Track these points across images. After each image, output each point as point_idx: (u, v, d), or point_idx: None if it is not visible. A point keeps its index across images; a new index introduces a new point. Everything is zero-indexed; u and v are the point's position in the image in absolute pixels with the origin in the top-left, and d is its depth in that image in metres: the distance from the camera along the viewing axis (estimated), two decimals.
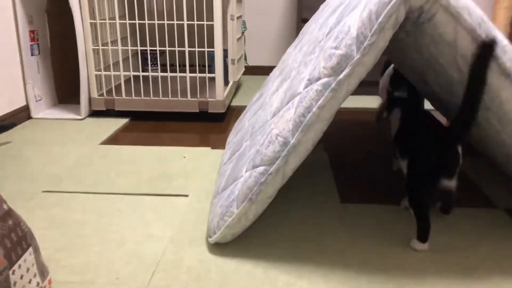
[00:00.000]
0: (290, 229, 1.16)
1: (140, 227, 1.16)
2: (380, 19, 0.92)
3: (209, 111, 2.07)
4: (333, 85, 0.96)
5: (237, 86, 2.81)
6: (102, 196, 1.33)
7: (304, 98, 0.99)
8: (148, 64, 2.59)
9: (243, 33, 2.70)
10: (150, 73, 2.08)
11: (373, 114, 1.51)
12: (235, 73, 2.46)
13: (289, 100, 1.06)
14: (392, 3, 0.91)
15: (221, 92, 2.05)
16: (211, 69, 2.26)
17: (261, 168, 1.01)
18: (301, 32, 1.72)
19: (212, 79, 2.07)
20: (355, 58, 0.94)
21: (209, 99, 2.06)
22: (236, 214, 1.01)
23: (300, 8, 2.52)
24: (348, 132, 1.98)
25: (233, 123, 2.01)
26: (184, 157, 1.63)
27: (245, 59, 2.87)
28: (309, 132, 0.98)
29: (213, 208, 1.13)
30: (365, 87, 2.59)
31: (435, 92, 1.38)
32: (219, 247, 1.06)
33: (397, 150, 1.20)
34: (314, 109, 0.97)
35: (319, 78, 0.98)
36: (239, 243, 1.08)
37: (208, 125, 2.04)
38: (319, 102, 0.97)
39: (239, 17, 2.55)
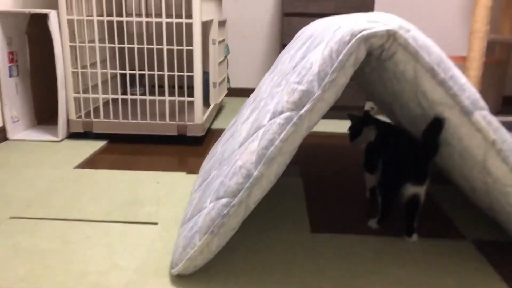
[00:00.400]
0: (257, 259, 1.16)
1: (105, 257, 1.15)
2: (340, 57, 0.94)
3: (187, 135, 2.08)
4: (295, 120, 0.98)
5: (220, 108, 2.82)
6: (70, 223, 1.32)
7: (268, 131, 1.00)
8: (133, 86, 2.60)
9: (225, 56, 2.73)
10: (129, 96, 2.09)
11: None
12: (217, 96, 2.47)
13: (254, 132, 1.07)
14: (352, 42, 0.93)
15: (200, 116, 2.06)
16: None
17: (224, 200, 1.01)
18: (277, 59, 1.74)
19: (193, 102, 2.08)
20: (316, 94, 0.96)
21: (187, 123, 2.06)
22: (198, 246, 1.01)
23: (282, 34, 2.55)
24: (326, 157, 2.00)
25: (212, 146, 2.02)
26: (158, 182, 1.63)
27: (228, 81, 2.89)
28: (272, 165, 0.99)
29: (178, 238, 1.13)
30: (346, 111, 2.63)
31: (402, 124, 1.40)
32: (183, 278, 1.06)
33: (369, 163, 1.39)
34: (276, 142, 0.98)
35: (282, 112, 0.99)
36: (205, 272, 1.08)
37: (187, 148, 2.05)
38: (282, 135, 0.98)
39: (221, 41, 2.58)
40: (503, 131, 0.98)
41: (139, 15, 2.73)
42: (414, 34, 0.94)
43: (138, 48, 2.13)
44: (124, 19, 1.99)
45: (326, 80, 0.95)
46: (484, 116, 0.96)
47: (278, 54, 2.96)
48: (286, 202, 1.51)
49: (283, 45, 2.55)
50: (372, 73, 1.17)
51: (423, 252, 1.22)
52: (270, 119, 1.02)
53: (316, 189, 1.63)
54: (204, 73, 2.49)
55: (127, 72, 2.06)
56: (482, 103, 0.97)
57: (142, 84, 2.67)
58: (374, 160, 1.35)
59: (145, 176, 1.69)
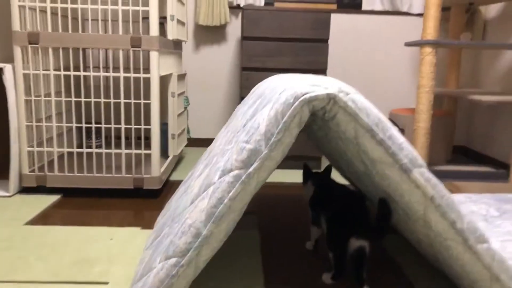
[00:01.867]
0: None
1: None
2: (285, 119, 0.98)
3: (144, 188, 2.06)
4: (243, 178, 1.00)
5: (179, 159, 2.83)
6: (16, 285, 1.27)
7: (217, 189, 1.02)
8: (90, 138, 2.58)
9: (185, 107, 2.76)
10: (85, 150, 2.07)
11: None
12: (176, 147, 2.48)
13: (205, 189, 1.08)
14: (295, 104, 0.98)
15: (157, 168, 2.06)
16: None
17: (173, 260, 1.01)
18: (233, 112, 1.78)
19: (150, 154, 2.08)
20: (263, 153, 0.99)
21: (144, 176, 2.05)
22: None
23: (241, 87, 2.62)
24: (285, 208, 2.01)
25: (169, 199, 2.01)
26: (111, 239, 1.60)
27: (188, 132, 2.91)
28: (221, 224, 1.00)
29: None
30: (304, 160, 2.68)
31: (350, 180, 1.45)
32: None
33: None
34: (225, 201, 1.00)
35: (231, 170, 1.02)
36: None
37: (143, 201, 2.03)
38: (231, 193, 1.00)
39: (181, 93, 2.62)
40: (441, 187, 1.03)
41: (97, 68, 2.75)
42: (353, 97, 0.99)
43: (96, 100, 2.13)
44: (81, 73, 2.00)
45: (272, 140, 0.99)
46: (422, 173, 1.01)
47: (237, 106, 3.02)
48: (241, 257, 1.51)
49: (241, 98, 2.61)
50: (319, 130, 1.22)
51: None
52: (220, 177, 1.04)
53: (273, 242, 1.63)
54: (163, 124, 2.51)
55: (83, 125, 2.05)
56: (420, 161, 1.02)
57: (99, 136, 2.65)
58: (315, 215, 1.43)
59: (98, 232, 1.65)
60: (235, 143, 1.09)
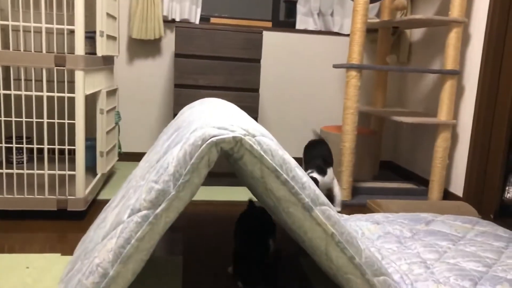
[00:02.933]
0: None
1: None
2: (193, 160, 1.01)
3: (68, 209, 2.01)
4: (151, 219, 1.01)
5: (110, 175, 2.78)
6: None
7: (125, 229, 1.03)
8: (11, 156, 2.48)
9: (116, 123, 2.72)
10: (4, 170, 2.00)
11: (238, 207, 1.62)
12: (104, 165, 2.44)
13: (115, 227, 1.09)
14: (203, 146, 1.01)
15: (81, 189, 2.02)
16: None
17: None
18: (157, 138, 1.78)
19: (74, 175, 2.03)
20: (171, 194, 1.01)
21: (68, 197, 2.01)
22: None
23: (174, 104, 2.62)
24: (212, 227, 2.04)
25: (95, 220, 1.97)
26: (27, 267, 1.56)
27: (119, 147, 2.87)
28: (128, 264, 1.01)
29: None
30: (227, 178, 2.72)
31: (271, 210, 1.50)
32: None
33: None
34: (133, 241, 1.01)
35: (139, 210, 1.03)
36: None
37: (68, 223, 1.98)
38: (138, 234, 1.01)
39: (111, 110, 2.58)
40: (341, 224, 1.09)
41: (18, 80, 2.66)
42: (258, 140, 1.04)
43: (17, 120, 2.06)
44: (1, 91, 1.93)
45: (180, 181, 1.01)
46: (323, 211, 1.07)
47: (171, 120, 3.02)
48: (162, 283, 1.51)
49: (174, 114, 2.61)
50: (234, 165, 1.25)
51: None
52: (129, 216, 1.05)
53: (196, 265, 1.65)
54: (91, 140, 2.46)
55: (3, 145, 1.97)
56: (322, 199, 1.08)
57: (21, 151, 2.56)
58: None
59: (15, 260, 1.60)
60: (146, 181, 1.10)
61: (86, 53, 2.01)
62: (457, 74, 2.49)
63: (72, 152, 2.07)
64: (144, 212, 1.02)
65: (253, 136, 1.04)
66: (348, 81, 2.47)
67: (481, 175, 2.48)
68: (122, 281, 1.02)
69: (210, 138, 1.01)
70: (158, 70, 3.09)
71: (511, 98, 2.34)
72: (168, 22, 3.05)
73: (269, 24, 3.19)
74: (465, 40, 2.60)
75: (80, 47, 1.95)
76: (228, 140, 1.01)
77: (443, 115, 2.54)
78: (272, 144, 1.06)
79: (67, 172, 2.01)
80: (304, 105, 3.28)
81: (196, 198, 2.47)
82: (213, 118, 1.10)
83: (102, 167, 2.40)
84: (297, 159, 3.22)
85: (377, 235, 1.85)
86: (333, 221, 1.07)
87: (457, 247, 1.75)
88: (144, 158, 1.63)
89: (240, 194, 2.57)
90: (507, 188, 2.43)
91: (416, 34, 3.18)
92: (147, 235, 1.01)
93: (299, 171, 1.08)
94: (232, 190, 2.65)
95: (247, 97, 2.63)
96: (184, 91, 2.60)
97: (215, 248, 1.84)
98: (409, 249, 1.72)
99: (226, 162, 2.62)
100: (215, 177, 2.71)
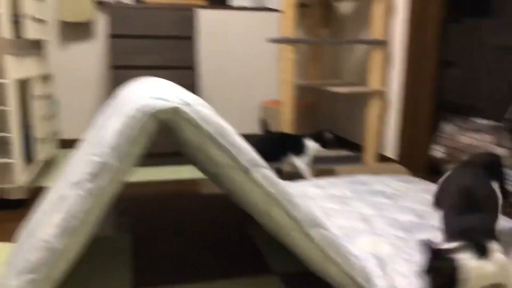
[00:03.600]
0: None
1: None
2: (132, 131, 1.04)
3: (9, 198, 1.97)
4: (93, 191, 1.04)
5: (50, 163, 2.72)
6: None
7: (69, 203, 1.04)
8: None
9: (54, 109, 2.66)
10: None
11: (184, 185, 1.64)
12: (43, 152, 2.39)
13: (57, 203, 1.09)
14: (141, 117, 1.04)
15: (20, 177, 1.98)
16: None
17: (28, 276, 1.02)
18: (95, 121, 1.77)
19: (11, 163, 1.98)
20: (113, 166, 1.04)
21: (7, 185, 1.96)
22: None
23: (112, 86, 2.59)
24: (158, 206, 2.06)
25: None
26: None
27: (57, 134, 2.80)
28: (74, 237, 1.03)
29: None
30: (172, 157, 2.74)
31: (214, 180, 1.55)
32: None
33: None
34: (77, 214, 1.03)
35: (82, 183, 1.04)
36: None
37: (9, 213, 1.94)
38: (82, 207, 1.03)
39: (47, 95, 2.51)
40: (280, 183, 1.16)
41: None
42: (195, 109, 1.08)
43: None
44: None
45: (120, 152, 1.04)
46: (262, 173, 1.14)
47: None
48: (110, 260, 1.54)
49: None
50: (174, 136, 1.29)
51: None
52: (71, 190, 1.06)
53: (144, 242, 1.68)
54: (27, 128, 2.40)
55: None
56: (259, 162, 1.15)
57: None
58: None
59: None
60: (86, 155, 1.11)
61: (13, 37, 1.94)
62: (385, 44, 2.63)
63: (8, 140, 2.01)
64: (86, 184, 1.04)
65: (190, 105, 1.08)
66: (283, 55, 2.54)
67: (410, 138, 2.66)
68: (70, 255, 1.04)
69: (148, 108, 1.04)
70: (93, 53, 3.03)
71: (434, 64, 2.51)
72: (100, 3, 2.98)
73: (203, 2, 3.20)
74: (390, 11, 2.74)
75: (6, 30, 1.88)
76: (165, 110, 1.04)
77: (374, 83, 2.68)
78: (208, 113, 1.10)
79: (3, 160, 1.96)
80: (244, 82, 3.33)
81: (140, 178, 2.48)
82: (150, 91, 1.12)
83: (40, 154, 2.35)
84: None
85: (321, 197, 1.96)
86: (271, 181, 1.14)
87: (394, 203, 1.89)
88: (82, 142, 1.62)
89: (185, 173, 2.60)
90: (434, 148, 2.61)
91: (346, 7, 3.30)
92: (91, 208, 1.03)
93: (236, 137, 1.13)
94: (177, 169, 2.68)
95: (184, 75, 2.65)
96: (121, 73, 2.57)
97: (164, 225, 1.87)
98: (350, 207, 1.84)
99: (169, 141, 2.64)
100: (159, 158, 2.73)
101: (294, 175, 2.44)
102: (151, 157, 2.67)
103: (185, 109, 1.06)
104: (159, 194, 2.24)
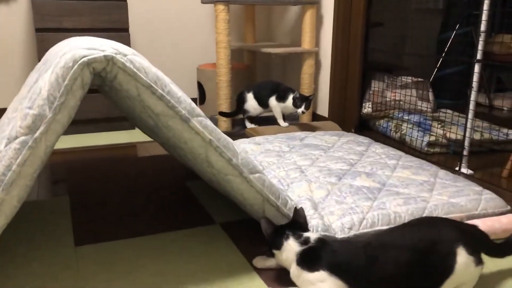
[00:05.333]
0: (9, 283, 1.16)
1: None
2: (66, 82, 1.03)
3: None
4: (30, 143, 1.02)
5: None
6: None
7: (4, 157, 1.02)
8: None
9: None
10: None
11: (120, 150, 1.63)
12: None
13: None
14: (75, 67, 1.03)
15: None
16: None
17: None
18: (24, 83, 1.70)
19: None
20: (48, 117, 1.03)
21: None
22: None
23: (38, 51, 2.47)
24: (96, 171, 2.04)
25: None
26: None
27: None
28: (12, 190, 1.02)
29: None
30: (107, 123, 2.70)
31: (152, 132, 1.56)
32: None
33: None
34: (14, 167, 1.01)
35: (16, 137, 1.03)
36: None
37: None
38: (18, 160, 1.02)
39: None
40: (218, 131, 1.20)
41: None
42: (130, 58, 1.08)
43: None
44: None
45: (55, 103, 1.03)
46: (200, 121, 1.17)
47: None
48: (52, 221, 1.52)
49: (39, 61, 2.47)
50: (110, 91, 1.28)
51: (179, 242, 1.40)
52: (6, 145, 1.04)
53: (83, 204, 1.67)
54: None
55: None
56: (197, 111, 1.18)
57: None
58: None
59: None
60: (19, 111, 1.09)
61: None
62: (316, 3, 2.70)
63: None
64: (22, 138, 1.02)
65: (125, 55, 1.07)
66: (217, 15, 2.54)
67: (341, 96, 2.78)
68: (8, 209, 1.02)
69: (81, 58, 1.03)
70: (15, 16, 2.85)
71: (363, 25, 2.61)
72: None
73: None
74: None
75: None
76: (99, 59, 1.04)
77: (306, 44, 2.76)
78: (144, 62, 1.11)
79: None
80: (179, 45, 3.29)
81: (74, 145, 2.42)
82: (84, 42, 1.11)
83: None
84: None
85: (259, 152, 2.03)
86: (209, 129, 1.18)
87: (327, 154, 2.00)
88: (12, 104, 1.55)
89: (119, 138, 2.57)
90: (363, 104, 2.76)
91: None
92: (28, 160, 1.02)
93: (173, 86, 1.15)
94: (110, 135, 2.64)
95: (117, 38, 2.57)
96: (48, 36, 2.46)
97: (102, 188, 1.86)
98: (287, 160, 1.93)
99: (103, 107, 2.59)
100: (94, 124, 2.67)
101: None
102: (85, 124, 2.62)
103: (121, 58, 1.06)
104: (96, 159, 2.21)
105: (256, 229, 1.43)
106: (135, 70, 1.08)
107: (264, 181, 1.25)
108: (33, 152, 1.03)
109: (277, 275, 1.22)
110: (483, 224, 1.39)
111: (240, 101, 2.71)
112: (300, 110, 2.49)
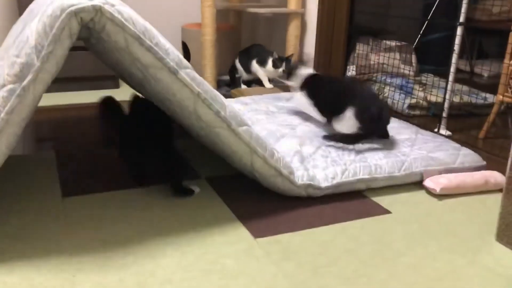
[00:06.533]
0: (5, 233, 1.19)
1: None
2: (53, 31, 1.03)
3: None
4: (18, 91, 1.03)
5: None
6: None
7: None
8: None
9: None
10: None
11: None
12: None
13: None
14: (62, 16, 1.03)
15: None
16: None
17: None
18: (9, 34, 1.68)
19: None
20: (36, 66, 1.03)
21: None
22: None
23: (19, 4, 2.41)
24: (80, 129, 2.04)
25: None
26: None
27: None
28: (1, 137, 1.03)
29: None
30: (91, 82, 2.68)
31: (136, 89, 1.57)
32: None
33: None
34: (2, 115, 1.02)
35: (4, 85, 1.03)
36: None
37: None
38: (6, 108, 1.02)
39: None
40: (206, 84, 1.22)
41: None
42: (118, 9, 1.08)
43: None
44: None
45: (43, 52, 1.03)
46: (187, 73, 1.18)
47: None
48: (38, 174, 1.54)
49: (20, 12, 2.42)
50: (98, 44, 1.27)
51: (165, 195, 1.43)
52: None
53: (69, 158, 1.69)
54: None
55: None
56: (185, 63, 1.19)
57: None
58: None
59: None
60: (6, 59, 1.08)
61: None
62: None
63: None
64: (10, 86, 1.02)
65: (112, 5, 1.07)
66: None
67: (327, 58, 2.80)
68: None
69: (69, 7, 1.02)
70: None
71: None
72: None
73: None
74: None
75: None
76: (87, 9, 1.03)
77: (292, 4, 2.74)
78: (132, 13, 1.11)
79: None
80: (163, 4, 3.23)
81: (59, 103, 2.41)
82: None
83: None
84: None
85: (246, 111, 2.05)
86: (197, 81, 1.19)
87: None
88: None
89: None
90: (348, 67, 2.78)
91: None
92: (16, 108, 1.02)
93: (161, 38, 1.16)
94: (94, 93, 2.62)
95: None
96: None
97: (87, 143, 1.87)
98: (276, 118, 1.97)
99: (88, 65, 2.56)
100: (76, 82, 2.64)
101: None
102: (70, 82, 2.59)
103: (109, 8, 1.06)
104: (80, 117, 2.20)
105: (242, 183, 1.47)
106: (123, 20, 1.08)
107: (252, 133, 1.28)
108: (20, 100, 1.03)
109: (261, 225, 1.27)
110: (455, 178, 1.46)
111: (232, 71, 2.81)
112: (280, 70, 2.52)
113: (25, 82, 1.03)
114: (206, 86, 1.21)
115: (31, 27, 1.05)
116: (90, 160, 1.68)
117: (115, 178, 1.52)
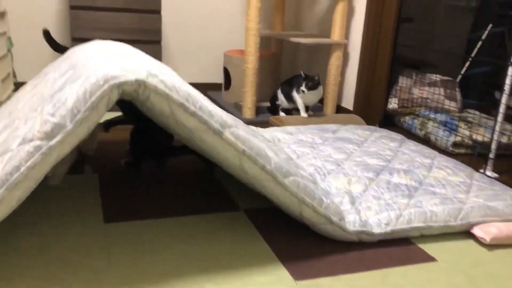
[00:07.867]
0: (49, 256, 1.20)
1: None
2: (93, 99, 1.03)
3: None
4: (43, 149, 1.02)
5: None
6: None
7: (15, 157, 1.01)
8: None
9: (9, 49, 2.56)
10: None
11: None
12: (1, 93, 2.33)
13: (0, 155, 1.04)
14: (105, 87, 1.03)
15: None
16: None
17: None
18: (43, 71, 1.65)
19: None
20: (68, 128, 1.03)
21: None
22: None
23: (71, 27, 2.50)
24: (123, 151, 2.08)
25: None
26: None
27: (14, 75, 2.72)
28: (14, 191, 1.01)
29: None
30: None
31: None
32: None
33: None
34: (22, 169, 1.01)
35: (31, 140, 1.02)
36: None
37: None
38: (29, 163, 1.01)
39: (1, 34, 2.41)
40: (250, 140, 1.21)
41: None
42: (161, 79, 1.07)
43: None
44: None
45: (78, 116, 1.03)
46: (232, 132, 1.19)
47: (69, 46, 2.88)
48: (81, 198, 1.54)
49: (73, 38, 2.51)
50: (142, 107, 1.22)
51: (205, 226, 1.41)
52: (19, 144, 1.03)
53: (111, 182, 1.68)
54: None
55: None
56: (229, 122, 1.20)
57: None
58: None
59: None
60: (40, 113, 1.08)
61: None
62: None
63: None
64: (37, 142, 1.01)
65: (155, 76, 1.06)
66: (249, 2, 2.52)
67: (368, 90, 2.76)
68: (5, 208, 1.01)
69: (113, 79, 1.02)
70: None
71: (394, 19, 2.57)
72: None
73: None
74: None
75: None
76: (130, 82, 1.03)
77: (335, 35, 2.72)
78: (175, 81, 1.11)
79: None
80: (207, 29, 3.26)
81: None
82: (116, 58, 1.11)
83: None
84: (202, 84, 3.28)
85: (291, 142, 2.03)
86: (242, 139, 1.18)
87: (361, 149, 1.99)
88: (26, 89, 1.51)
89: None
90: (389, 100, 2.74)
91: None
92: (38, 165, 1.01)
93: (204, 101, 1.16)
94: None
95: (148, 19, 2.59)
96: (82, 13, 2.47)
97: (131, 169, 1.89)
98: (321, 151, 1.93)
99: None
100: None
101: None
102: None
103: (153, 81, 1.06)
104: (125, 140, 2.24)
105: (281, 218, 1.42)
106: (167, 91, 1.08)
107: (299, 183, 1.26)
108: (44, 158, 1.02)
109: (301, 265, 1.24)
110: (505, 227, 1.43)
111: (273, 99, 2.79)
112: (301, 89, 2.50)
113: (53, 142, 1.02)
114: (250, 143, 1.21)
115: (72, 89, 1.05)
116: (131, 185, 1.67)
117: (155, 205, 1.52)
